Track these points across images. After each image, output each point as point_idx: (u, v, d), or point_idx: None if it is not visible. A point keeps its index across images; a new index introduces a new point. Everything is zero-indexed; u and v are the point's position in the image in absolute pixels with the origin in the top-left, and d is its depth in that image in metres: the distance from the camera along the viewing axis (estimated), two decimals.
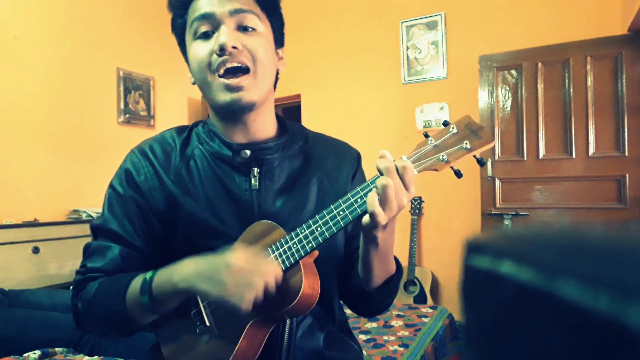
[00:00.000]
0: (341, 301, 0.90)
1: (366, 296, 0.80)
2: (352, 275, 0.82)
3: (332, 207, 0.68)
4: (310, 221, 0.69)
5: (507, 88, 2.87)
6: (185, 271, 0.68)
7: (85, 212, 2.78)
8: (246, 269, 0.64)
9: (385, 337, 1.77)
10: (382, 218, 0.64)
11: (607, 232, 0.18)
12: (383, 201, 0.64)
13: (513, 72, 2.85)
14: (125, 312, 0.71)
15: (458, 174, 0.69)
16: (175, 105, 3.77)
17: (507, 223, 2.81)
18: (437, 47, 3.27)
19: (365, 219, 0.66)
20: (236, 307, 0.63)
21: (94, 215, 2.75)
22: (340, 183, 0.85)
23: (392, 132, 3.39)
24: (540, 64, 2.77)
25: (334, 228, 0.67)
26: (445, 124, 0.69)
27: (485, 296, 0.19)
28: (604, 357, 0.13)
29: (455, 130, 0.68)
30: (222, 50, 0.73)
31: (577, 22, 2.79)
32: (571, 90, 2.69)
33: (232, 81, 0.73)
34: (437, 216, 3.25)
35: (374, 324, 1.97)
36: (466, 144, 0.67)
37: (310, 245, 0.68)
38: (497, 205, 2.88)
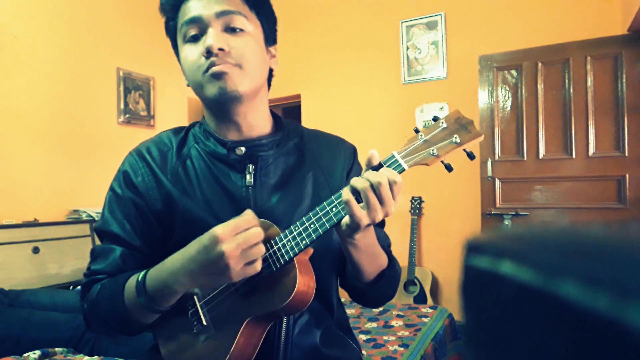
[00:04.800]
0: (345, 295, 0.91)
1: (361, 291, 0.81)
2: (346, 272, 0.83)
3: (324, 203, 0.68)
4: (304, 218, 0.69)
5: (507, 88, 2.87)
6: (177, 273, 0.67)
7: (85, 212, 2.78)
8: (243, 248, 0.63)
9: (385, 337, 1.77)
10: (361, 215, 0.64)
11: (607, 232, 0.18)
12: (367, 205, 0.64)
13: (513, 72, 2.85)
14: (126, 312, 0.72)
15: (448, 168, 0.69)
16: (175, 105, 3.77)
17: (507, 223, 2.81)
18: (437, 47, 3.27)
19: (345, 220, 0.66)
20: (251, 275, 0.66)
21: (94, 215, 2.75)
22: (335, 178, 0.85)
23: (392, 132, 3.39)
24: (540, 64, 2.77)
25: (327, 225, 0.67)
26: (435, 119, 0.70)
27: (485, 296, 0.19)
28: (604, 358, 0.13)
29: (444, 125, 0.69)
30: (208, 52, 0.73)
31: (577, 22, 2.79)
32: (571, 90, 2.69)
33: (216, 67, 0.74)
34: (437, 216, 3.25)
35: (374, 324, 1.97)
36: (456, 138, 0.67)
37: (304, 242, 0.68)
38: (497, 205, 2.88)
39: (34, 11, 2.72)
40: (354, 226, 0.65)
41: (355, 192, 0.65)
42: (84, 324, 0.82)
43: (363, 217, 0.64)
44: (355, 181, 0.65)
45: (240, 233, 0.64)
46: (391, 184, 0.64)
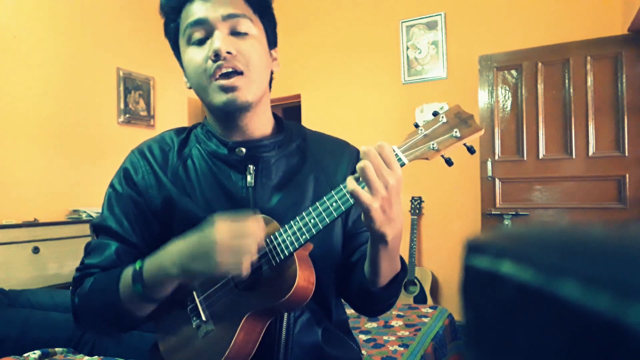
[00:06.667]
0: (342, 300, 0.90)
1: (371, 296, 0.79)
2: (356, 275, 0.81)
3: (324, 198, 0.68)
4: (304, 213, 0.69)
5: (507, 88, 2.87)
6: (174, 256, 0.68)
7: (85, 212, 2.78)
8: (234, 239, 0.64)
9: (385, 337, 1.77)
10: (366, 198, 0.62)
11: (607, 232, 0.18)
12: (366, 183, 0.63)
13: (513, 72, 2.85)
14: (119, 303, 0.71)
15: (449, 162, 0.69)
16: (175, 105, 3.77)
17: (507, 223, 2.81)
18: (437, 47, 3.27)
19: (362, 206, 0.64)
20: (237, 275, 0.65)
21: (94, 215, 2.75)
22: (337, 180, 0.84)
23: (392, 132, 3.39)
24: (540, 64, 2.77)
25: (327, 219, 0.67)
26: (435, 114, 0.70)
27: (485, 296, 0.19)
28: (604, 358, 0.13)
29: (444, 120, 0.69)
30: (216, 56, 0.73)
31: (577, 22, 2.79)
32: (571, 90, 2.69)
33: (227, 82, 0.74)
34: (437, 216, 3.25)
35: (374, 324, 1.97)
36: (456, 132, 0.68)
37: (304, 237, 0.68)
38: (497, 205, 2.88)
39: (34, 11, 2.72)
40: (368, 215, 0.63)
41: (357, 180, 0.64)
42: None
43: (368, 199, 0.62)
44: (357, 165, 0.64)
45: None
46: (380, 152, 0.63)
